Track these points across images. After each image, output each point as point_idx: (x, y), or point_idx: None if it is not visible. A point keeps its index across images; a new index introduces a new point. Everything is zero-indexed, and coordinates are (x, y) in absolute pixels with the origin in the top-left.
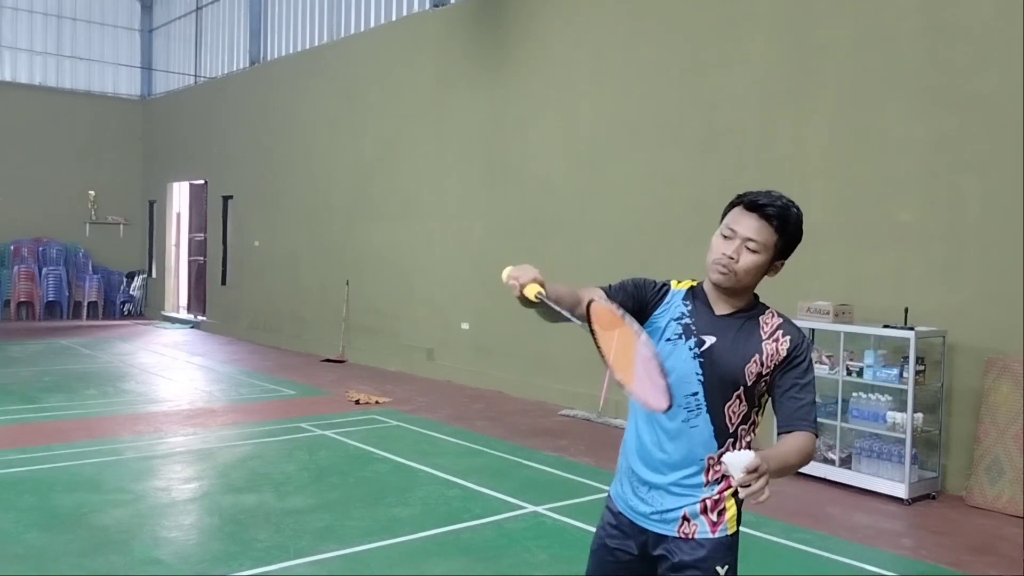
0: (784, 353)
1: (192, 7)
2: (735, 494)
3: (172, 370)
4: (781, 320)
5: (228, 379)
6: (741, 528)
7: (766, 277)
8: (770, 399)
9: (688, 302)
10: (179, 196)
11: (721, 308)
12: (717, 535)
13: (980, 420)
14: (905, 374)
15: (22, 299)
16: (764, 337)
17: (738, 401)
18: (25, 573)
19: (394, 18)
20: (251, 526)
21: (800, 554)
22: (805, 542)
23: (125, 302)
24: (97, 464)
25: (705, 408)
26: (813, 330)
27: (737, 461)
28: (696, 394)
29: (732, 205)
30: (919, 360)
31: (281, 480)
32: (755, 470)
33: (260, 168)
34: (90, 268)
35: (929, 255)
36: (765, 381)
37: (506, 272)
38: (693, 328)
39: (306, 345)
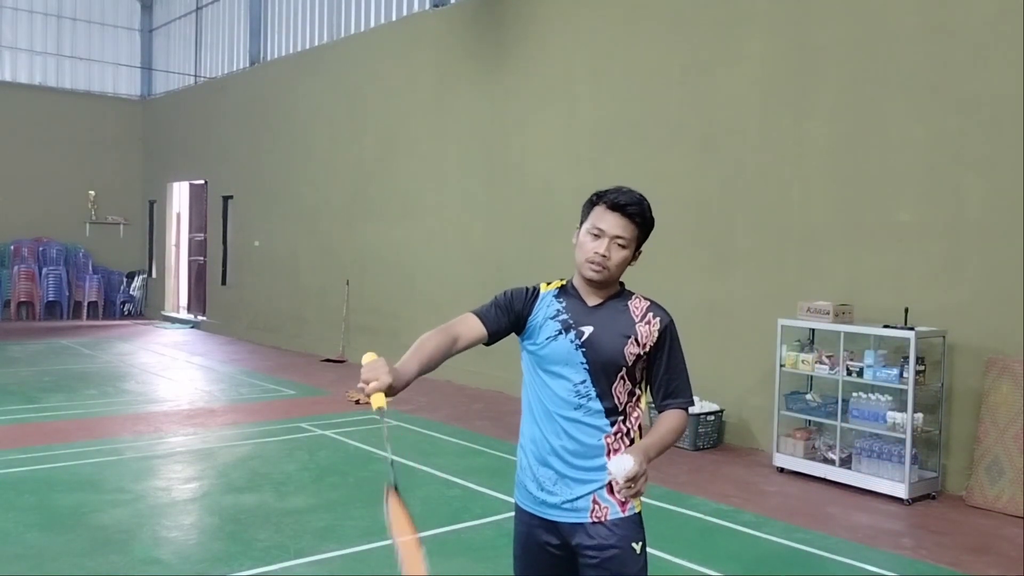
0: (656, 334)
1: (192, 7)
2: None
3: (172, 370)
4: (649, 303)
5: (228, 379)
6: (745, 529)
7: (629, 266)
8: (646, 376)
9: (561, 299)
10: (179, 196)
11: (593, 299)
12: (627, 514)
13: (980, 420)
14: (905, 374)
15: (22, 299)
16: (636, 320)
17: (622, 381)
18: (25, 573)
19: (394, 18)
20: (251, 526)
21: (800, 554)
22: (805, 542)
23: (125, 302)
24: (97, 464)
25: (595, 393)
26: (813, 330)
27: (619, 469)
28: (584, 382)
29: (592, 204)
30: (919, 360)
31: (281, 480)
32: (635, 478)
33: (260, 168)
34: (90, 268)
35: (929, 255)
36: (643, 361)
37: (365, 359)
38: (571, 322)
39: (306, 345)
